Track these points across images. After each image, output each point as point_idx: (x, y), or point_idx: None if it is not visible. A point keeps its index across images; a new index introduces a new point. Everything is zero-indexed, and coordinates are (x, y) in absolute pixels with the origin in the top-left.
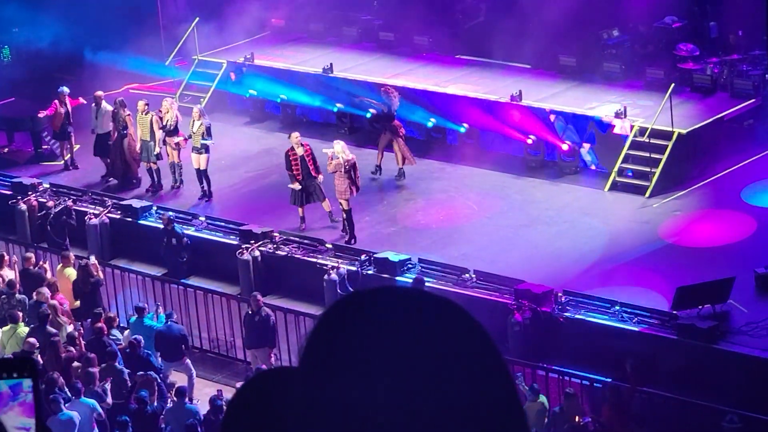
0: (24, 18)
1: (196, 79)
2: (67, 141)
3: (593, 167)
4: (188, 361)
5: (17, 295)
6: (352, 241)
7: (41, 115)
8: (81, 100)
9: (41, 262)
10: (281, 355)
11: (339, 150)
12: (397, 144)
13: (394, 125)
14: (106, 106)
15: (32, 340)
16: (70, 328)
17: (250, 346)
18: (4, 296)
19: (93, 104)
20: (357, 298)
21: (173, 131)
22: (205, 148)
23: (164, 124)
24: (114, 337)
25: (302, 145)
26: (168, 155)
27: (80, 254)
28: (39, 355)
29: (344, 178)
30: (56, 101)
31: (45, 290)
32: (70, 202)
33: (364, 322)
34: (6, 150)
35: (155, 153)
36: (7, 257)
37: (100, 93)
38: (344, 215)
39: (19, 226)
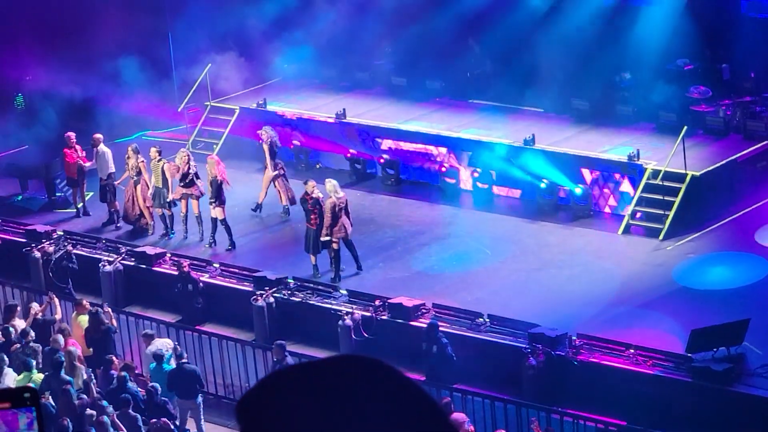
0: (37, 65)
1: (208, 126)
2: (79, 188)
3: None
4: (201, 400)
5: (32, 344)
6: (337, 279)
7: (87, 164)
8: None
9: (47, 299)
10: None
11: (331, 188)
12: (278, 182)
13: (276, 163)
14: (103, 149)
15: (31, 386)
16: (85, 375)
17: None
18: (19, 346)
19: (91, 146)
20: (283, 375)
21: (190, 183)
22: (218, 200)
23: (182, 175)
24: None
25: (317, 191)
26: (183, 207)
27: (95, 301)
28: (52, 401)
29: (338, 217)
30: (66, 149)
31: (59, 337)
32: (69, 247)
33: (296, 395)
34: (20, 198)
35: (168, 200)
36: (19, 308)
37: (97, 135)
38: (332, 254)
39: (33, 274)
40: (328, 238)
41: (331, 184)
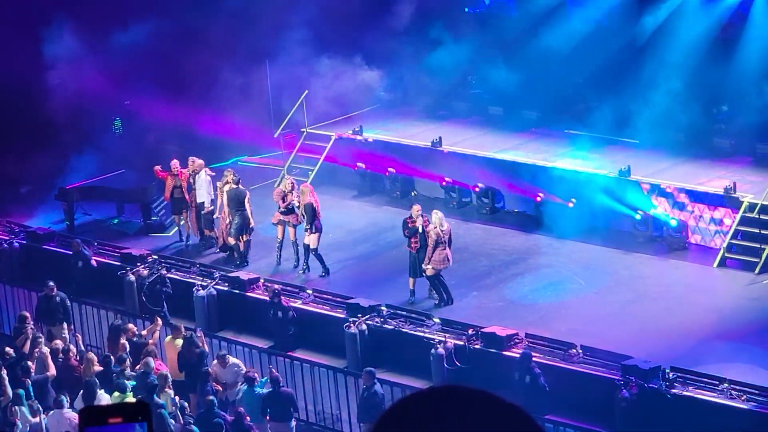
0: (135, 90)
1: (304, 152)
2: (182, 213)
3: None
4: (294, 424)
5: (127, 371)
6: (441, 304)
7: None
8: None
9: (143, 331)
10: None
11: (436, 220)
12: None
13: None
14: (202, 176)
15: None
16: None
17: (360, 419)
18: (114, 374)
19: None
20: (419, 397)
21: (290, 210)
22: (313, 227)
23: (287, 203)
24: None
25: (422, 216)
26: (279, 233)
27: (188, 326)
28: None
29: (441, 248)
30: (166, 174)
31: (150, 360)
32: (163, 271)
33: (427, 420)
34: (116, 221)
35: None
36: (128, 326)
37: (200, 161)
38: (430, 282)
39: (128, 297)
40: (429, 267)
41: (437, 216)
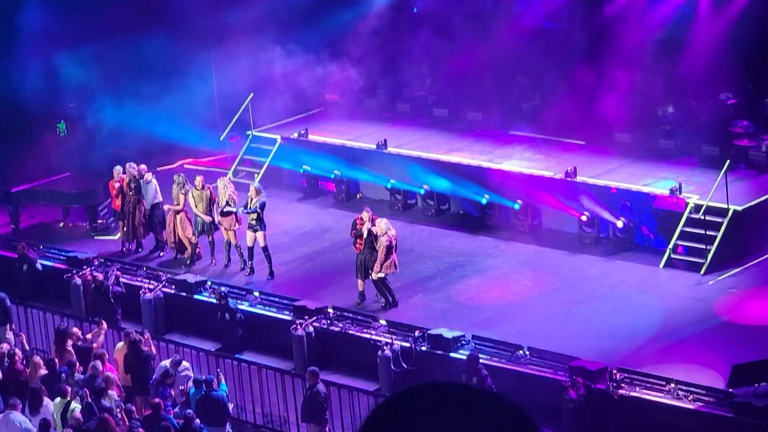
0: (78, 93)
1: (250, 155)
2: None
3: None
4: (229, 428)
5: (77, 375)
6: (387, 306)
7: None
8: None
9: (88, 335)
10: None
11: (384, 228)
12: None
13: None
14: (149, 179)
15: (78, 415)
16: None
17: (302, 419)
18: (63, 375)
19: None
20: (407, 394)
21: (227, 212)
22: (260, 225)
23: (218, 204)
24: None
25: (372, 220)
26: (224, 236)
27: (135, 328)
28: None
29: (387, 254)
30: (111, 182)
31: (98, 364)
32: (118, 272)
33: (416, 418)
34: (61, 224)
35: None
36: (74, 330)
37: (142, 166)
38: (377, 285)
39: (74, 300)
40: (382, 274)
41: (383, 223)
